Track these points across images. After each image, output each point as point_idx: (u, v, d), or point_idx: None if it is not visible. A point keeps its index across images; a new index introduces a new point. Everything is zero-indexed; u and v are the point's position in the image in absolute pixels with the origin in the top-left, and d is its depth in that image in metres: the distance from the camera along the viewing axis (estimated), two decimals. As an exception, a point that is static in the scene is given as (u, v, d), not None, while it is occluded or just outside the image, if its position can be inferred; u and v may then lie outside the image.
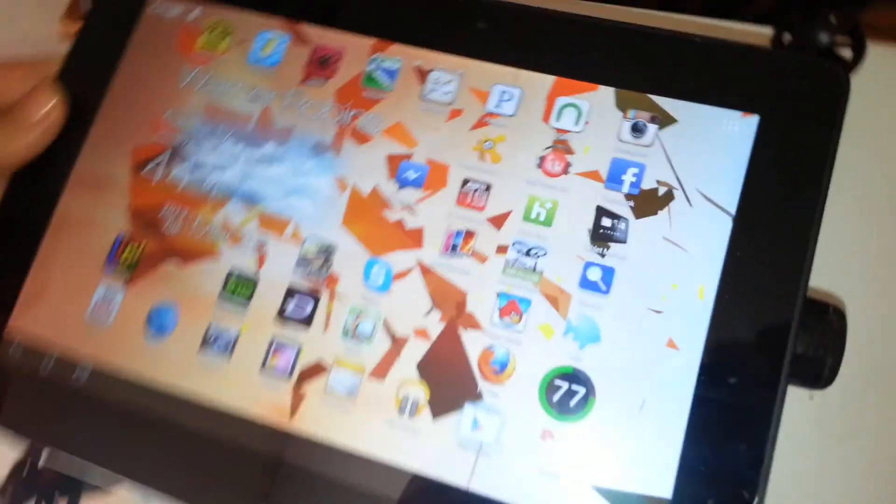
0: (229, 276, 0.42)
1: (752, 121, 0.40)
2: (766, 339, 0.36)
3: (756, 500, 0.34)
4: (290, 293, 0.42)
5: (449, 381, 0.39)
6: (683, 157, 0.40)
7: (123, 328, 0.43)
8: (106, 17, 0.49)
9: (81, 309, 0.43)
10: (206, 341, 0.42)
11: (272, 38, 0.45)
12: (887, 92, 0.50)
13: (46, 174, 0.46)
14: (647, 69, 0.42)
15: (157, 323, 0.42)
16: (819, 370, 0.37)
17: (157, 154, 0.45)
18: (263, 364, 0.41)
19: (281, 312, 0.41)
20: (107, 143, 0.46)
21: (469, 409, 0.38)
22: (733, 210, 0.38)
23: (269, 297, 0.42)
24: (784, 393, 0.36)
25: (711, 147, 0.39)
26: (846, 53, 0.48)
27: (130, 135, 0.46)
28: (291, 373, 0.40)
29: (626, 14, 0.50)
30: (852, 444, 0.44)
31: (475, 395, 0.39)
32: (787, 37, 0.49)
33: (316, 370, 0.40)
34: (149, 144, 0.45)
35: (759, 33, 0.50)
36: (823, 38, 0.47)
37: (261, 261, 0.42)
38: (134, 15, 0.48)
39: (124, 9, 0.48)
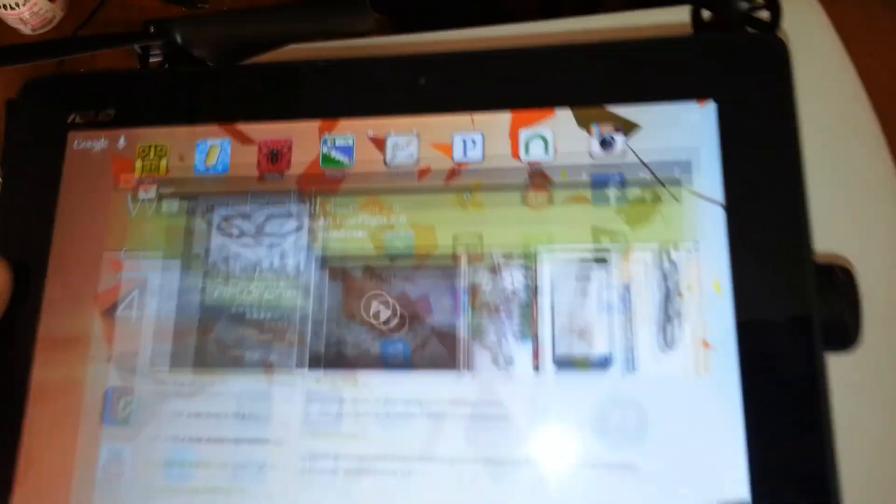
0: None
1: (711, 107, 0.40)
2: (791, 313, 0.37)
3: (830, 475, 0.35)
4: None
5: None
6: (657, 158, 0.40)
7: (140, 481, 0.40)
8: (27, 165, 0.46)
9: (90, 475, 0.41)
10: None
11: (213, 145, 0.44)
12: (810, 41, 0.51)
13: (8, 347, 0.43)
14: (593, 82, 0.42)
15: (177, 467, 0.40)
16: (844, 330, 0.38)
17: (127, 292, 0.43)
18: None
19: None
20: (67, 297, 0.43)
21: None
22: (721, 198, 0.39)
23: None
24: (824, 362, 0.36)
25: (681, 142, 0.40)
26: (764, 15, 0.49)
27: (89, 282, 0.43)
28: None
29: (549, 27, 0.50)
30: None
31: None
32: (705, 13, 0.50)
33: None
34: (112, 286, 0.43)
35: (677, 18, 0.51)
36: (742, 5, 0.48)
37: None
38: (58, 158, 0.45)
39: (45, 155, 0.45)
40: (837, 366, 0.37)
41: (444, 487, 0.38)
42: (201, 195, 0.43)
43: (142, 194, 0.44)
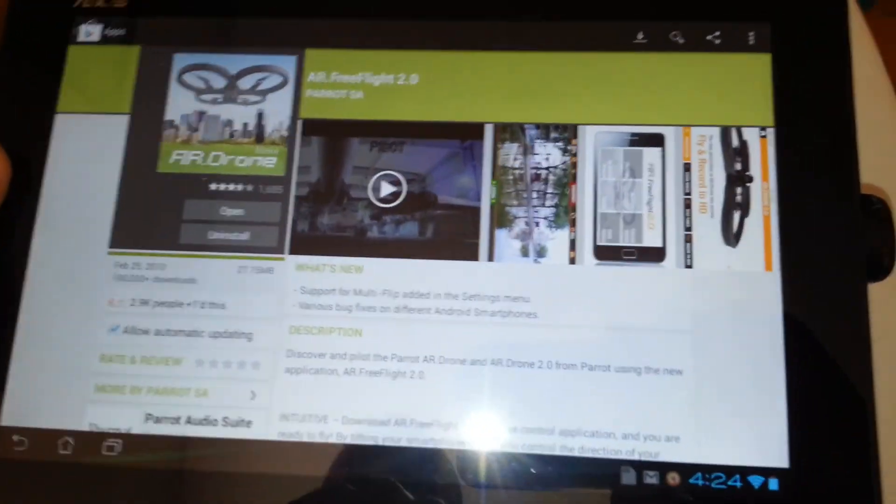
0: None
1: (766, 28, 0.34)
2: (835, 241, 0.31)
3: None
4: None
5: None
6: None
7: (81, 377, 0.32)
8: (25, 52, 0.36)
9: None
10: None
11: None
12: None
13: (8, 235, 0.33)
14: None
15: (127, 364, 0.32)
16: (879, 259, 0.32)
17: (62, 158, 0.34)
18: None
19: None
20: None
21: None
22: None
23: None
24: (866, 292, 0.30)
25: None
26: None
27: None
28: None
29: None
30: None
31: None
32: None
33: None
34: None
35: None
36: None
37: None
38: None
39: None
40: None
41: (456, 392, 0.30)
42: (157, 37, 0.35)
43: (83, 33, 0.35)
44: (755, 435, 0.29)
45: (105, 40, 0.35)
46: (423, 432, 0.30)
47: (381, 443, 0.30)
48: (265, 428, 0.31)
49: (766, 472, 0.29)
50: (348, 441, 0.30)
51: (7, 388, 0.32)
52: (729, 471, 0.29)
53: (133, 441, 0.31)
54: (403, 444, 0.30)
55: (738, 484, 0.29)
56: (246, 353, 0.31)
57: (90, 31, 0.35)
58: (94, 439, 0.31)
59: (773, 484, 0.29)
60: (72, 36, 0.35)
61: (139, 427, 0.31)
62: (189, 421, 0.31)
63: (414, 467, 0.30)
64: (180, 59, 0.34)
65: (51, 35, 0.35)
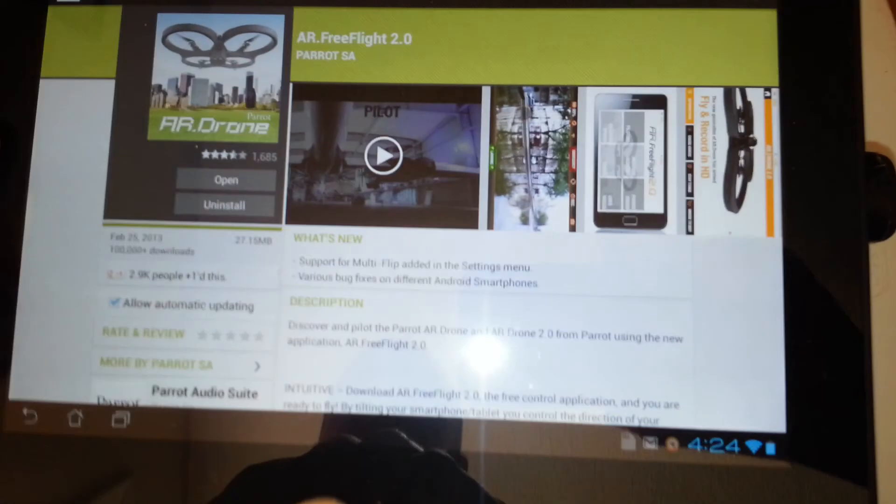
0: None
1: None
2: (839, 204, 0.30)
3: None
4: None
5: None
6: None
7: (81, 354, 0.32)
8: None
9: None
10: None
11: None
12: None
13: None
14: None
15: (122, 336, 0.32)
16: (883, 219, 0.32)
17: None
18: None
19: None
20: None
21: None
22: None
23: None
24: (867, 250, 0.30)
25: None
26: None
27: None
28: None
29: None
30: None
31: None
32: None
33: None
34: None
35: None
36: None
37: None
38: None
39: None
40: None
41: (458, 362, 0.31)
42: None
43: (60, -7, 0.33)
44: (753, 401, 0.30)
45: (85, 0, 0.33)
46: (427, 402, 0.31)
47: (385, 412, 0.31)
48: (271, 399, 0.31)
49: (764, 437, 0.30)
50: (353, 411, 0.31)
51: (13, 362, 0.32)
52: (727, 436, 0.30)
53: (141, 413, 0.32)
54: (407, 413, 0.31)
55: (736, 449, 0.30)
56: (248, 325, 0.32)
57: (68, -10, 0.33)
58: (102, 412, 0.32)
59: (771, 448, 0.30)
60: (50, -4, 0.33)
61: (146, 399, 0.32)
62: (195, 392, 0.32)
63: (418, 435, 0.31)
64: (164, 20, 0.33)
65: (28, -4, 0.33)
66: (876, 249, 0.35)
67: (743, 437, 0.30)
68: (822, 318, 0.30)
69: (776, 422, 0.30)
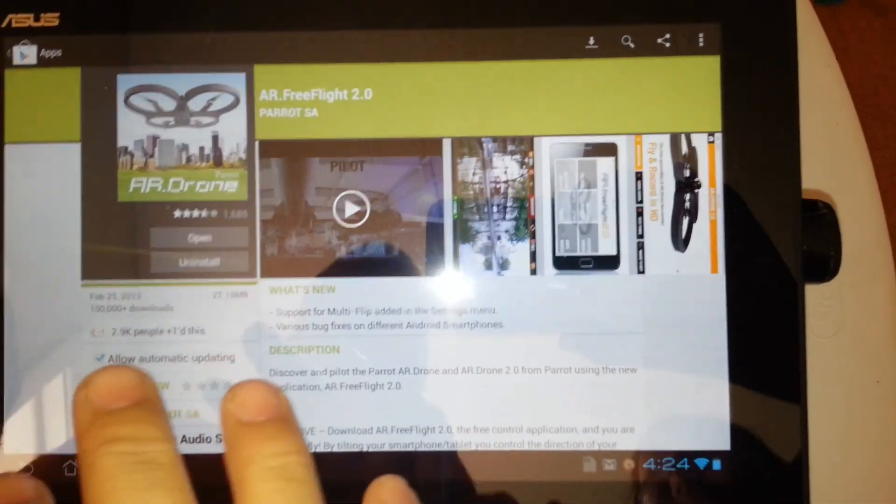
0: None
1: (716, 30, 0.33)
2: (777, 245, 0.33)
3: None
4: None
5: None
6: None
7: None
8: None
9: None
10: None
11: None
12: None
13: None
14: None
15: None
16: (825, 263, 0.34)
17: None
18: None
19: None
20: None
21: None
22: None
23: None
24: (804, 293, 0.33)
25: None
26: None
27: None
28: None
29: None
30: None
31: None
32: None
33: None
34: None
35: None
36: None
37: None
38: None
39: None
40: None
41: (431, 401, 0.33)
42: (97, 56, 0.34)
43: (17, 55, 0.33)
44: (700, 423, 0.33)
45: (42, 62, 0.33)
46: (404, 437, 0.33)
47: (365, 449, 0.33)
48: (257, 444, 0.33)
49: (710, 454, 0.33)
50: (335, 450, 0.33)
51: (4, 418, 0.33)
52: (678, 455, 0.33)
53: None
54: (386, 448, 0.33)
55: (686, 466, 0.33)
56: (231, 374, 0.33)
57: (24, 52, 0.33)
58: (97, 464, 0.33)
59: (717, 464, 0.33)
60: (7, 59, 0.33)
61: (138, 449, 0.33)
62: (185, 440, 0.33)
63: (396, 469, 0.33)
64: (124, 80, 0.33)
65: (-18, 58, 0.33)
66: (830, 292, 0.38)
67: (692, 455, 0.33)
68: (762, 347, 0.33)
69: (721, 441, 0.33)
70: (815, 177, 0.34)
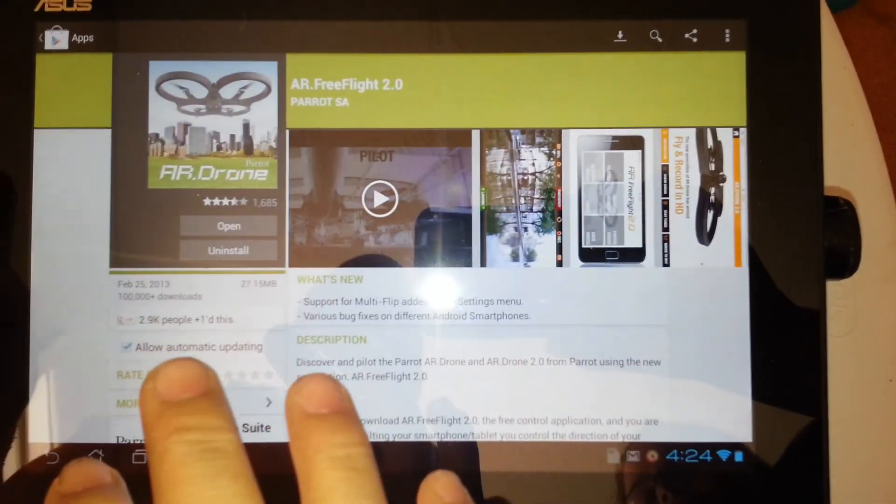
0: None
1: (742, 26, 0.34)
2: (799, 240, 0.34)
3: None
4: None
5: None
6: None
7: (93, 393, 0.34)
8: None
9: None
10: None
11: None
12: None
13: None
14: None
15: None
16: (845, 259, 0.35)
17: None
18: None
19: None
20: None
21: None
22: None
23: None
24: (825, 289, 0.34)
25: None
26: None
27: None
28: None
29: None
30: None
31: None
32: None
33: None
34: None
35: None
36: None
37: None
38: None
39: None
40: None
41: (457, 391, 0.33)
42: (129, 42, 0.34)
43: (49, 40, 0.33)
44: (723, 415, 0.33)
45: (74, 48, 0.33)
46: (430, 428, 0.33)
47: (392, 439, 0.33)
48: (284, 432, 0.33)
49: (733, 446, 0.33)
50: (361, 439, 0.33)
51: (30, 407, 0.33)
52: (700, 447, 0.33)
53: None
54: (412, 439, 0.33)
55: (709, 458, 0.33)
56: (258, 364, 0.34)
57: (56, 37, 0.33)
58: (123, 450, 0.33)
59: (739, 456, 0.33)
60: (38, 44, 0.33)
61: (163, 436, 0.33)
62: (210, 427, 0.34)
63: (422, 459, 0.34)
64: (157, 67, 0.33)
65: (15, 43, 0.33)
66: (844, 291, 0.39)
67: (714, 447, 0.34)
68: (784, 340, 0.33)
69: (744, 433, 0.33)
70: (833, 176, 0.35)
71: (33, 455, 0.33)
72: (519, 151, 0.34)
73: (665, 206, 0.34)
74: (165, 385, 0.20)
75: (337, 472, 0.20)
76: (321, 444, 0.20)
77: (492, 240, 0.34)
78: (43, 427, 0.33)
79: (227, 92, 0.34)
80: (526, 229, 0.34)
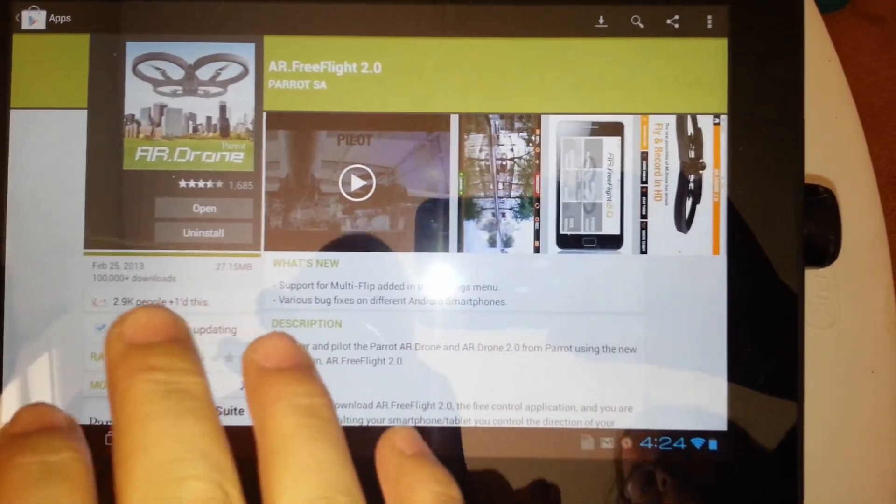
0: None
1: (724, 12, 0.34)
2: (779, 228, 0.33)
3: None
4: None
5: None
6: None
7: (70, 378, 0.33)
8: None
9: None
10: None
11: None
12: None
13: None
14: None
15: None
16: (824, 247, 0.35)
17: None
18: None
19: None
20: None
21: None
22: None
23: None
24: (803, 276, 0.33)
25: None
26: None
27: None
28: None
29: None
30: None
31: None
32: None
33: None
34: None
35: None
36: None
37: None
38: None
39: None
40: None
41: (432, 377, 0.33)
42: (106, 23, 0.33)
43: (26, 20, 0.33)
44: (698, 403, 0.33)
45: (51, 28, 0.33)
46: (404, 413, 0.33)
47: (365, 423, 0.33)
48: (257, 416, 0.33)
49: (707, 434, 0.33)
50: (335, 423, 0.33)
51: (3, 387, 0.33)
52: (674, 434, 0.33)
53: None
54: (386, 423, 0.33)
55: (682, 445, 0.33)
56: (232, 347, 0.33)
57: (33, 17, 0.33)
58: (96, 432, 0.33)
59: (713, 444, 0.33)
60: (15, 24, 0.33)
61: (137, 418, 0.33)
62: (184, 410, 0.33)
63: (397, 444, 0.33)
64: (133, 48, 0.33)
65: (-10, 22, 0.33)
66: (826, 283, 0.39)
67: (689, 434, 0.33)
68: (760, 329, 0.33)
69: (718, 421, 0.33)
70: (815, 167, 0.35)
71: (6, 436, 0.33)
72: (498, 137, 0.33)
73: (644, 193, 0.34)
74: (133, 328, 0.20)
75: (298, 419, 0.19)
76: (281, 393, 0.20)
77: (469, 225, 0.33)
78: (16, 406, 0.33)
79: (204, 73, 0.33)
80: (504, 215, 0.33)
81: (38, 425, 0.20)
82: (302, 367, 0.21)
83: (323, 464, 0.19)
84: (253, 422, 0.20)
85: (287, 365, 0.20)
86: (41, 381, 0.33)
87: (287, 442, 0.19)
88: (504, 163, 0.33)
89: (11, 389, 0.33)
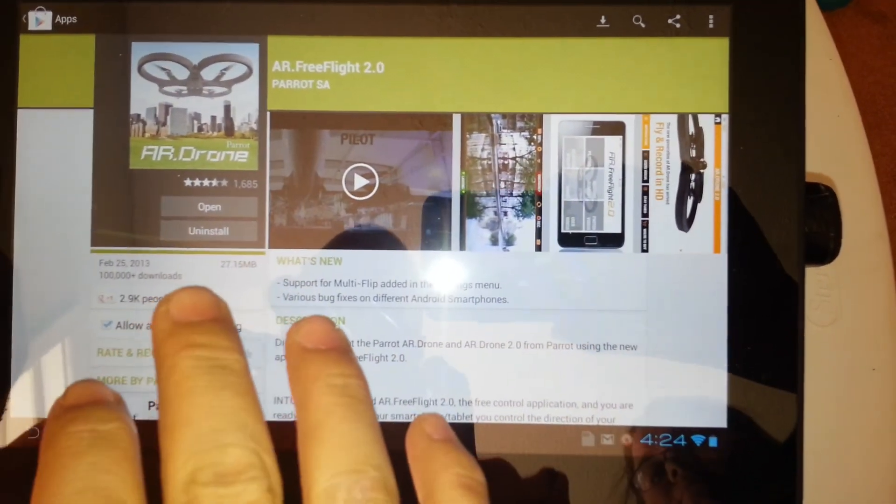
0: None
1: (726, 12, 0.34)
2: (779, 226, 0.34)
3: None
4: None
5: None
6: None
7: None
8: None
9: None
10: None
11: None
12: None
13: None
14: None
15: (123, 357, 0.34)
16: (825, 245, 0.35)
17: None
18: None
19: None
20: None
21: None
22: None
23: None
24: (804, 274, 0.34)
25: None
26: None
27: None
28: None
29: None
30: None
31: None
32: None
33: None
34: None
35: None
36: None
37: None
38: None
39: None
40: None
41: (434, 373, 0.34)
42: (112, 24, 0.34)
43: (32, 21, 0.34)
44: (698, 400, 0.33)
45: (57, 29, 0.34)
46: (407, 409, 0.34)
47: (368, 420, 0.34)
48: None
49: (707, 431, 0.34)
50: (339, 419, 0.34)
51: (12, 383, 0.34)
52: (675, 431, 0.34)
53: (139, 426, 0.34)
54: (388, 419, 0.34)
55: (683, 442, 0.34)
56: (237, 343, 0.34)
57: (40, 18, 0.34)
58: (102, 428, 0.34)
59: (713, 441, 0.33)
60: (22, 25, 0.33)
61: (143, 414, 0.34)
62: (189, 406, 0.34)
63: (397, 440, 0.34)
64: (138, 49, 0.34)
65: (-2, 23, 0.34)
66: (828, 281, 0.39)
67: (689, 431, 0.34)
68: (761, 327, 0.33)
69: (718, 418, 0.33)
70: (817, 165, 0.35)
71: (15, 430, 0.34)
72: (500, 136, 0.34)
73: (645, 192, 0.34)
74: (178, 308, 0.21)
75: (334, 398, 0.21)
76: (320, 373, 0.21)
77: (471, 224, 0.34)
78: (25, 403, 0.34)
79: (209, 73, 0.34)
80: (505, 213, 0.34)
81: (87, 398, 0.21)
82: (339, 349, 0.22)
83: (356, 440, 0.20)
84: (293, 398, 0.22)
85: (325, 346, 0.22)
86: (49, 376, 0.34)
87: (323, 419, 0.20)
88: (506, 162, 0.34)
89: (21, 384, 0.34)
